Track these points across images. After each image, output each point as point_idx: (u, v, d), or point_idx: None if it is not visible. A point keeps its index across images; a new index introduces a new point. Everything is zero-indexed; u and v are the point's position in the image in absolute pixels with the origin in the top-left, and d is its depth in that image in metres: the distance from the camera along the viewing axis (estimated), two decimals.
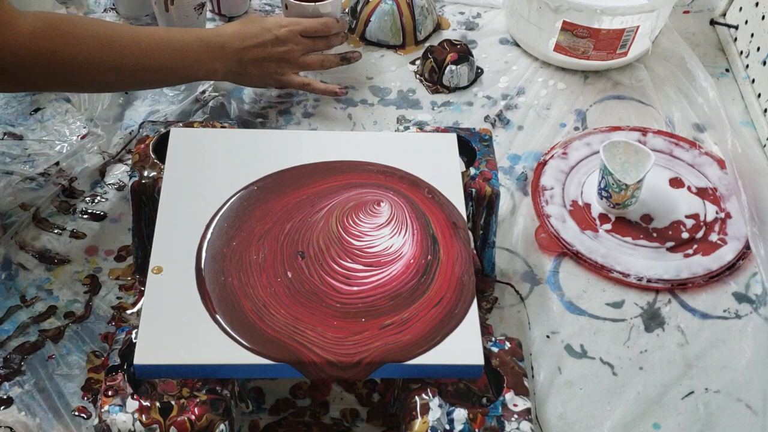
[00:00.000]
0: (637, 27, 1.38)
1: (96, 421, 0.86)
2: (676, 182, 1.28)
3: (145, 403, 0.85)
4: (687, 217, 1.23)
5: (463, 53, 1.43)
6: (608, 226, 1.22)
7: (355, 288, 0.92)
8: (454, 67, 1.41)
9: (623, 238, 1.20)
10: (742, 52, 1.48)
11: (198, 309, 0.89)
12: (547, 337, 1.10)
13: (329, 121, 1.37)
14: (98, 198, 1.24)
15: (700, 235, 1.21)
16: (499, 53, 1.50)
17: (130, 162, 1.24)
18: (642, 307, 1.14)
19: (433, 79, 1.43)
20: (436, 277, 0.94)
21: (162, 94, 1.40)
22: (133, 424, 0.84)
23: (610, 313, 1.13)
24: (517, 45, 1.51)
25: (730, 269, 1.18)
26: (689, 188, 1.27)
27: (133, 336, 0.90)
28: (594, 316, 1.13)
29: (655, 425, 1.02)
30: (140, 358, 0.86)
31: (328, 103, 1.40)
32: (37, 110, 1.36)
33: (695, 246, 1.20)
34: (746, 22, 1.47)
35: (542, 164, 1.30)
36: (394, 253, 0.96)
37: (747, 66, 1.45)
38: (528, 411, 0.88)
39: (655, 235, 1.21)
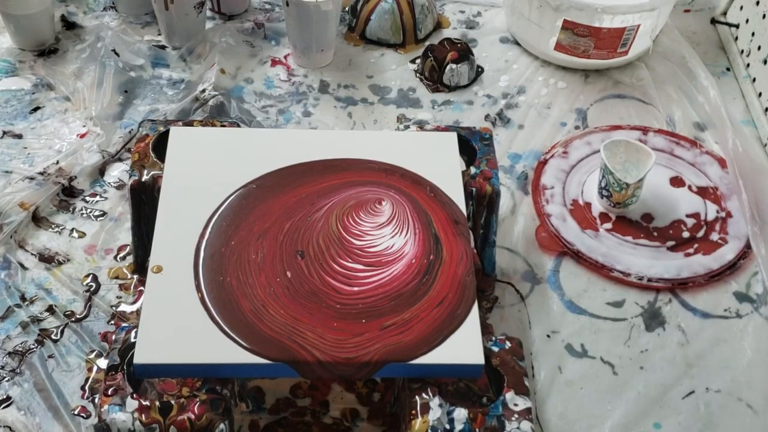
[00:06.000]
0: (638, 26, 1.37)
1: (95, 420, 0.86)
2: (676, 181, 1.28)
3: (144, 403, 0.85)
4: (688, 216, 1.23)
5: (464, 52, 1.42)
6: (609, 226, 1.21)
7: (356, 288, 0.92)
8: (454, 65, 1.40)
9: (624, 238, 1.20)
10: (742, 51, 1.47)
11: (197, 309, 0.89)
12: (548, 336, 1.10)
13: (329, 120, 1.36)
14: (98, 197, 1.23)
15: (700, 234, 1.21)
16: (499, 52, 1.50)
17: (129, 161, 1.23)
18: (642, 306, 1.13)
19: (434, 78, 1.43)
20: (439, 277, 0.94)
21: (162, 93, 1.39)
22: (133, 424, 0.84)
23: (610, 312, 1.13)
24: (518, 44, 1.51)
25: (731, 268, 1.17)
26: (690, 187, 1.27)
27: (132, 335, 0.90)
28: (594, 316, 1.12)
29: (655, 425, 1.02)
30: (140, 357, 0.85)
31: (328, 101, 1.40)
32: (36, 109, 1.35)
33: (696, 245, 1.19)
34: (747, 20, 1.47)
35: (543, 163, 1.30)
36: (396, 253, 0.96)
37: (748, 65, 1.45)
38: (528, 410, 0.88)
39: (655, 234, 1.20)
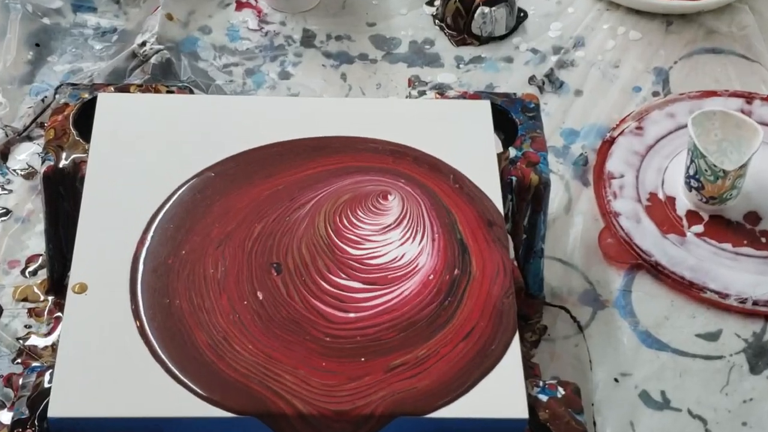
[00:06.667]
0: None
1: None
2: None
3: None
4: None
5: None
6: (699, 229, 1.21)
7: (352, 315, 0.92)
8: (486, 9, 1.40)
9: (720, 245, 1.20)
10: None
11: (134, 342, 0.89)
12: (616, 380, 1.10)
13: (315, 84, 1.37)
14: None
15: None
16: None
17: (42, 140, 1.23)
18: (746, 339, 1.13)
19: (459, 26, 1.43)
20: (465, 300, 0.94)
21: (86, 46, 1.39)
22: None
23: (701, 347, 1.13)
24: None
25: None
26: None
27: (47, 379, 0.90)
28: (680, 352, 1.12)
29: None
30: (56, 409, 0.85)
31: (313, 58, 1.40)
32: None
33: None
34: None
35: (608, 143, 1.30)
36: (407, 266, 0.96)
37: None
38: None
39: (764, 240, 1.20)
